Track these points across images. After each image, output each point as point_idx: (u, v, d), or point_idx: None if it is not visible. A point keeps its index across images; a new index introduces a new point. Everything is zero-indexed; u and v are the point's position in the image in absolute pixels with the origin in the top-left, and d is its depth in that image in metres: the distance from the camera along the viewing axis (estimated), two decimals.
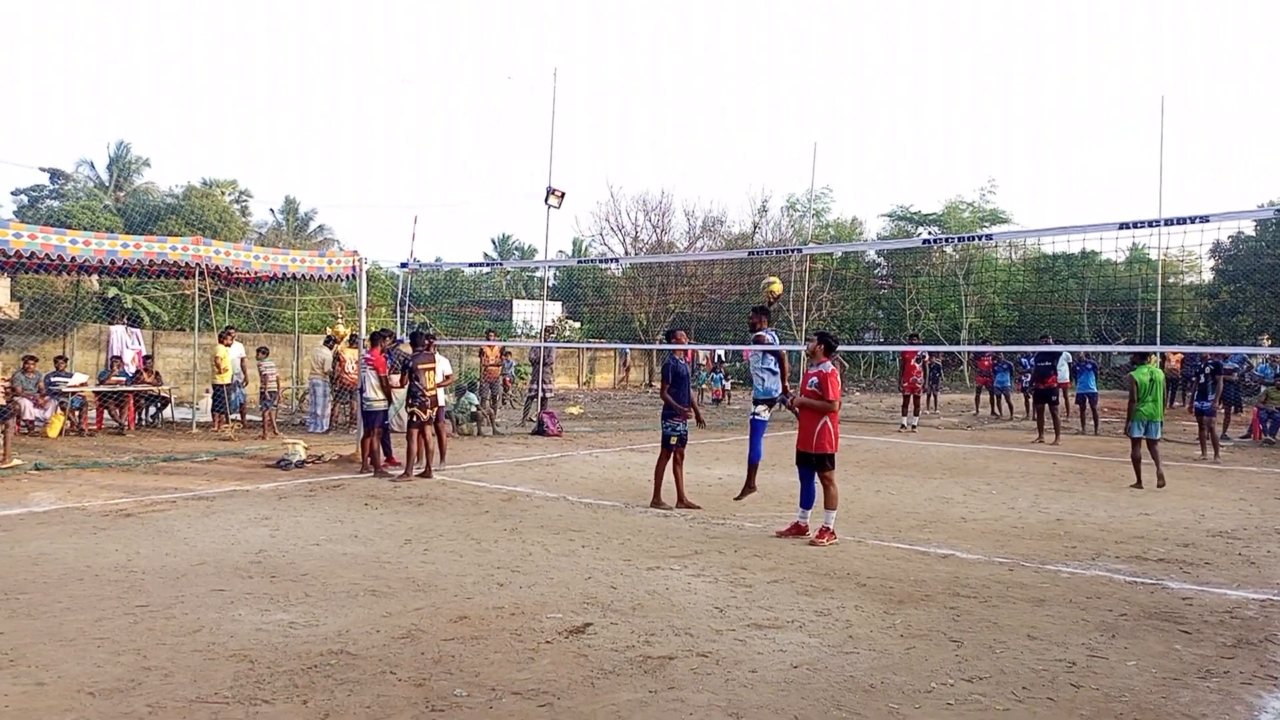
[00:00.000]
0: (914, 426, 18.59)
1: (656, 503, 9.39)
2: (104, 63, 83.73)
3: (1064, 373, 18.68)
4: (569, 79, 29.93)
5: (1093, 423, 18.40)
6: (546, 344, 19.26)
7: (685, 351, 9.86)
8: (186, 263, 15.17)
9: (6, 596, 5.68)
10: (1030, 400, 19.03)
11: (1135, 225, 7.84)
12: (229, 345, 15.92)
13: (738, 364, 33.73)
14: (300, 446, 11.86)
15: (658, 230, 40.95)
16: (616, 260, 28.94)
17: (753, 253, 20.84)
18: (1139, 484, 11.15)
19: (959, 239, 13.93)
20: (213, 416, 15.97)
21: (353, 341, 15.42)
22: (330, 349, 15.86)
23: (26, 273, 19.18)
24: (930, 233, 36.92)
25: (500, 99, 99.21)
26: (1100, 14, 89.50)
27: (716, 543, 7.75)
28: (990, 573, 6.91)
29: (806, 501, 8.12)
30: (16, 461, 10.90)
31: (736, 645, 5.10)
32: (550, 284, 23.74)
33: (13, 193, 43.60)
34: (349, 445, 13.00)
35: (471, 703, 4.24)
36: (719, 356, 29.41)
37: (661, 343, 10.44)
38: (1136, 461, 11.27)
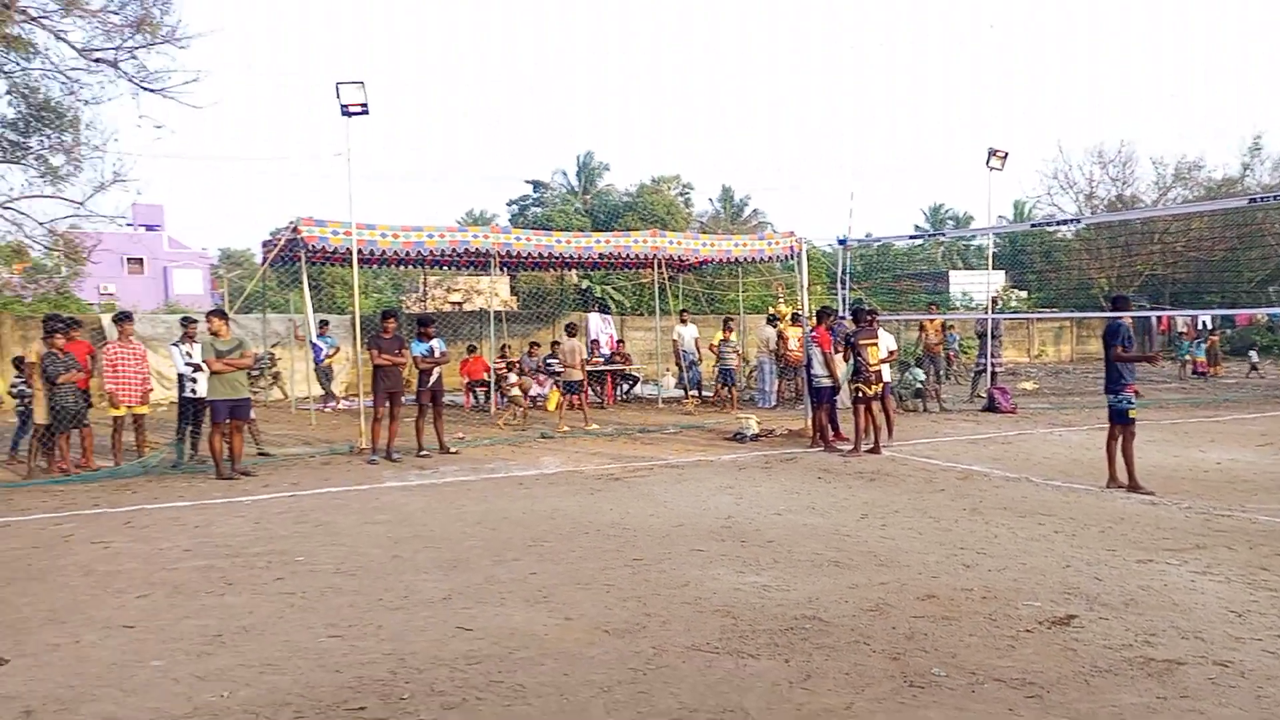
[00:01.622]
0: None
1: (1127, 484, 8.43)
2: (571, 82, 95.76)
3: None
4: (1006, 29, 27.49)
5: None
6: (992, 315, 18.15)
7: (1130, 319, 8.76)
8: (645, 254, 16.79)
9: (534, 543, 6.79)
10: None
11: None
12: (686, 325, 17.34)
13: (1228, 331, 28.83)
14: (753, 421, 12.54)
15: (1118, 184, 36.45)
16: (1072, 222, 26.20)
17: (1255, 199, 17.54)
18: None
19: None
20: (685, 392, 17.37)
21: (794, 320, 15.91)
22: (774, 327, 16.52)
23: (524, 270, 22.63)
24: None
25: (933, 62, 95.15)
26: None
27: (1224, 537, 6.72)
28: None
29: None
30: (594, 427, 13.11)
31: (1265, 658, 4.39)
32: (991, 252, 22.25)
33: (507, 203, 51.78)
34: (796, 420, 13.45)
35: (951, 683, 4.16)
36: (1202, 324, 25.37)
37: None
38: None
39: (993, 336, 16.84)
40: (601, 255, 16.50)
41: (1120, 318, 8.82)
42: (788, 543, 6.74)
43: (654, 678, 4.25)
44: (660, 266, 17.72)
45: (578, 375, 13.75)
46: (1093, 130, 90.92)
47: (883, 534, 7.00)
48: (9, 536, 7.07)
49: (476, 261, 17.31)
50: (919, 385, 15.73)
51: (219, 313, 9.90)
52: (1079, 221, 25.67)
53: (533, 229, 28.25)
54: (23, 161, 13.58)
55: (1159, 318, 26.88)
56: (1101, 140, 67.82)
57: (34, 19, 13.08)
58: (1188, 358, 22.81)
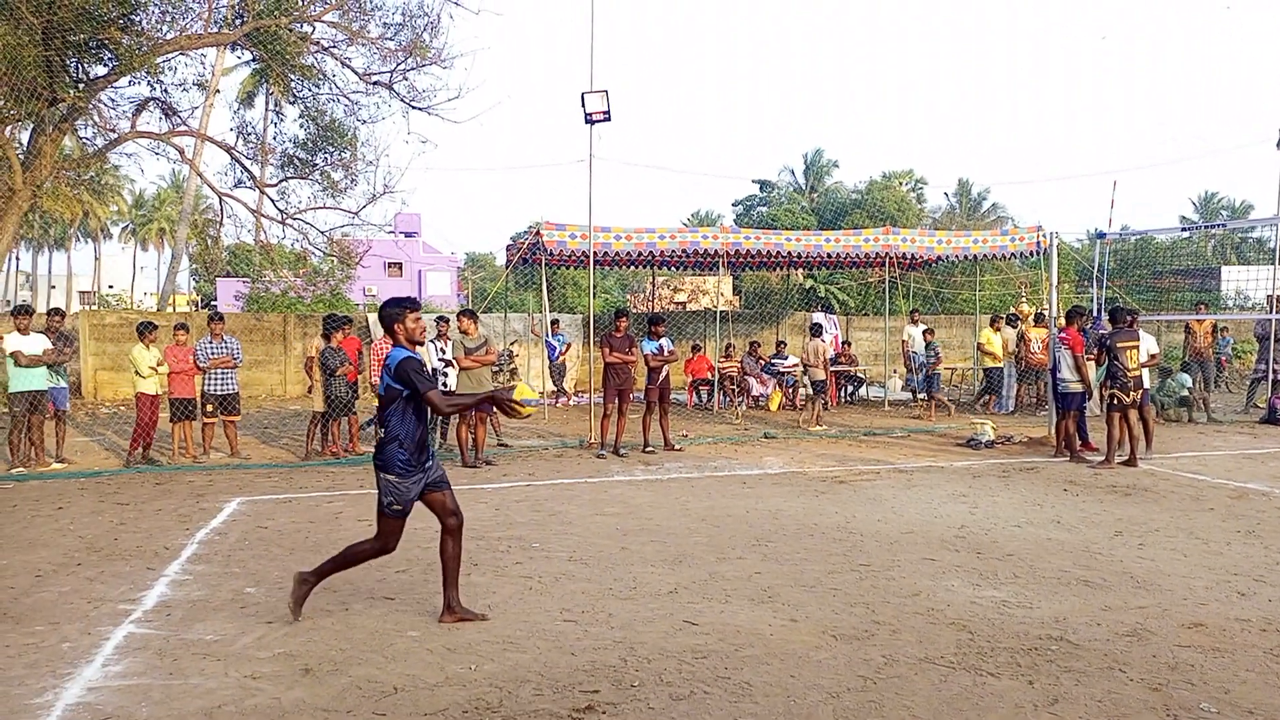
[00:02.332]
0: None
1: None
2: (799, 80, 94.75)
3: None
4: None
5: None
6: (1276, 315, 16.06)
7: None
8: (877, 253, 16.29)
9: (758, 543, 6.79)
10: None
11: None
12: (917, 325, 16.71)
13: None
14: (989, 426, 11.86)
15: None
16: None
17: None
18: None
19: None
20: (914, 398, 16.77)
21: (1038, 320, 14.89)
22: (1015, 328, 15.53)
23: (749, 270, 22.67)
24: None
25: (1214, 35, 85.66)
26: None
27: None
28: None
29: None
30: (820, 428, 13.11)
31: None
32: (1275, 245, 19.67)
33: (732, 204, 52.03)
34: (1038, 427, 12.58)
35: None
36: None
37: None
38: None
39: (1276, 340, 14.93)
40: (830, 254, 16.22)
41: None
42: (1029, 557, 6.33)
43: (885, 687, 4.14)
44: (890, 265, 17.16)
45: (822, 375, 13.71)
46: None
47: (1140, 554, 6.41)
48: (290, 511, 7.99)
49: (703, 261, 17.56)
50: (1185, 393, 14.23)
51: (468, 313, 10.65)
52: None
53: (758, 228, 28.23)
54: (310, 177, 15.21)
55: None
56: None
57: (325, 49, 14.64)
58: None
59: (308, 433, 11.12)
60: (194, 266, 43.94)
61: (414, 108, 14.93)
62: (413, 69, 14.67)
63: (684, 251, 15.83)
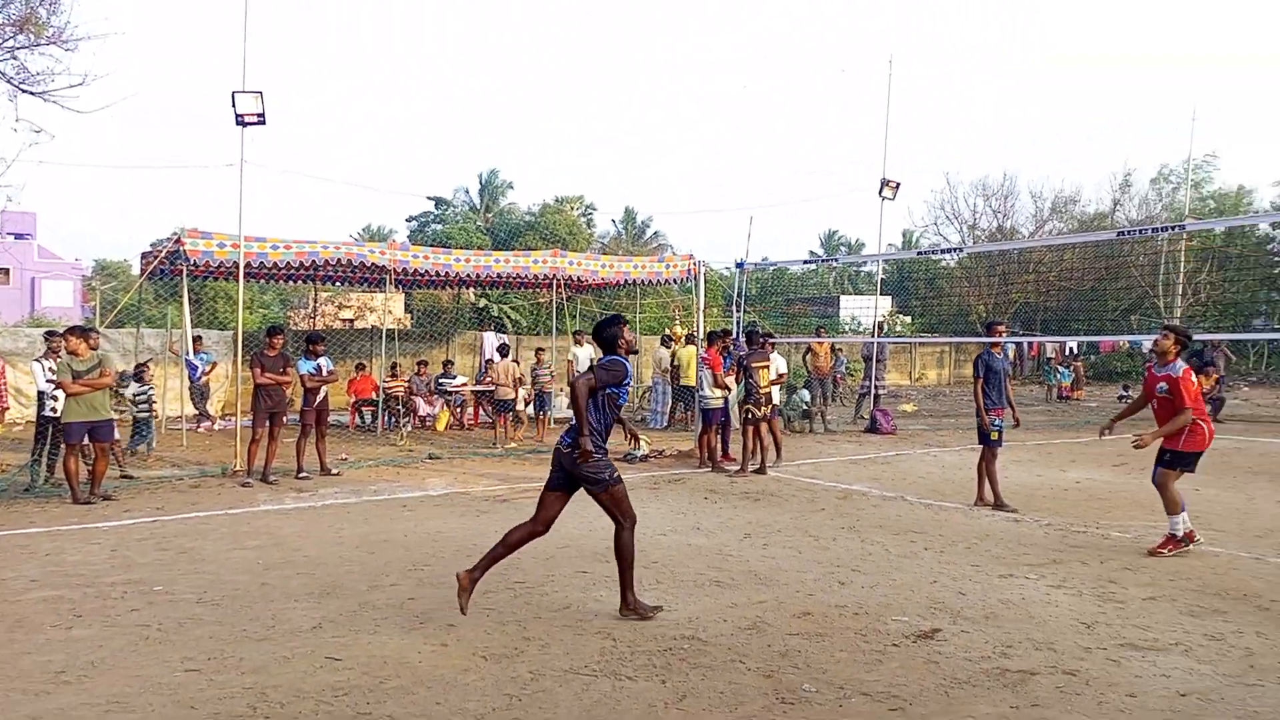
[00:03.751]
0: None
1: (993, 502, 8.86)
2: (476, 99, 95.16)
3: None
4: (903, 66, 28.98)
5: None
6: (879, 339, 18.79)
7: (1000, 345, 9.25)
8: (545, 274, 16.73)
9: (414, 567, 6.64)
10: None
11: None
12: (581, 346, 17.34)
13: (1092, 357, 30.56)
14: (643, 441, 12.59)
15: (999, 216, 38.37)
16: (955, 250, 27.44)
17: (1122, 233, 18.75)
18: None
19: None
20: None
21: (689, 341, 16.09)
22: (667, 349, 16.67)
23: (419, 288, 22.25)
24: None
25: (833, 93, 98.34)
26: None
27: (1078, 552, 7.10)
28: None
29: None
30: (513, 445, 13.00)
31: (1109, 666, 4.64)
32: (879, 278, 23.07)
33: (406, 220, 50.86)
34: (687, 441, 13.59)
35: (820, 699, 4.26)
36: (1069, 350, 26.85)
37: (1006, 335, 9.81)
38: None
39: (877, 360, 17.43)
40: (500, 275, 16.37)
41: (992, 344, 9.26)
42: (671, 563, 6.79)
43: (529, 702, 4.21)
44: (559, 287, 17.70)
45: (510, 394, 13.76)
46: (979, 163, 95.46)
47: (764, 553, 7.13)
48: None
49: (370, 278, 16.95)
50: (805, 407, 16.11)
51: (77, 330, 9.37)
52: (961, 250, 26.88)
53: (432, 246, 27.81)
54: None
55: (1030, 343, 28.34)
56: (986, 173, 71.33)
57: None
58: (1054, 382, 24.07)
59: None
60: None
61: (25, 91, 12.93)
62: (24, 47, 12.72)
63: (349, 265, 15.19)
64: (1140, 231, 18.46)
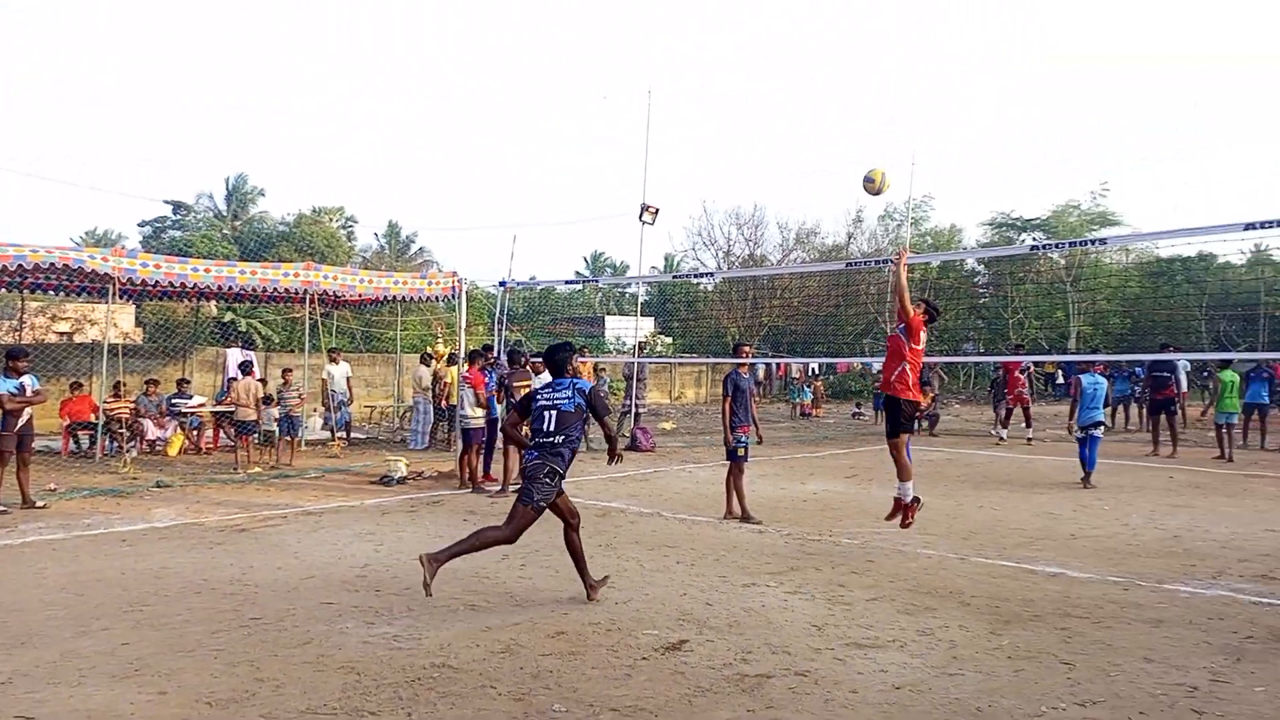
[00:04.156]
0: (1029, 439, 17.95)
1: (740, 515, 9.37)
2: (225, 97, 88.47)
3: (1184, 382, 17.69)
4: (662, 97, 30.23)
5: (1259, 437, 16.83)
6: (639, 359, 19.37)
7: (747, 365, 9.87)
8: (297, 288, 15.81)
9: (131, 608, 6.00)
10: (1145, 411, 18.15)
11: (1263, 225, 7.42)
12: (337, 364, 16.55)
13: (831, 376, 33.19)
14: (402, 463, 12.19)
15: (750, 243, 40.81)
16: (709, 275, 28.89)
17: (850, 264, 20.59)
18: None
19: (1069, 244, 13.45)
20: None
21: (451, 360, 15.78)
22: (428, 367, 16.27)
23: (151, 300, 20.33)
24: (1034, 239, 35.67)
25: (596, 118, 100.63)
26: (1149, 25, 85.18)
27: (814, 559, 7.63)
28: (1103, 592, 6.60)
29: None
30: (255, 469, 11.58)
31: (835, 665, 5.01)
32: (642, 299, 23.87)
33: (139, 224, 46.40)
34: (448, 461, 13.30)
35: (570, 718, 4.27)
36: (811, 370, 29.00)
37: (753, 355, 10.44)
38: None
39: (638, 379, 17.95)
40: (247, 287, 15.26)
41: (739, 365, 9.80)
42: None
43: None
44: (313, 301, 16.79)
45: (253, 415, 12.87)
46: (733, 193, 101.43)
47: (521, 573, 7.09)
48: None
49: (91, 287, 15.24)
50: None
51: None
52: (713, 275, 28.33)
53: (168, 254, 25.47)
54: None
55: (778, 364, 30.37)
56: (739, 203, 75.81)
57: None
58: (797, 400, 25.92)
59: None
60: None
61: None
62: None
63: (65, 272, 13.60)
64: (866, 263, 20.33)
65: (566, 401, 6.34)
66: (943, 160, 74.26)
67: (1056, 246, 15.53)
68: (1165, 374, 15.89)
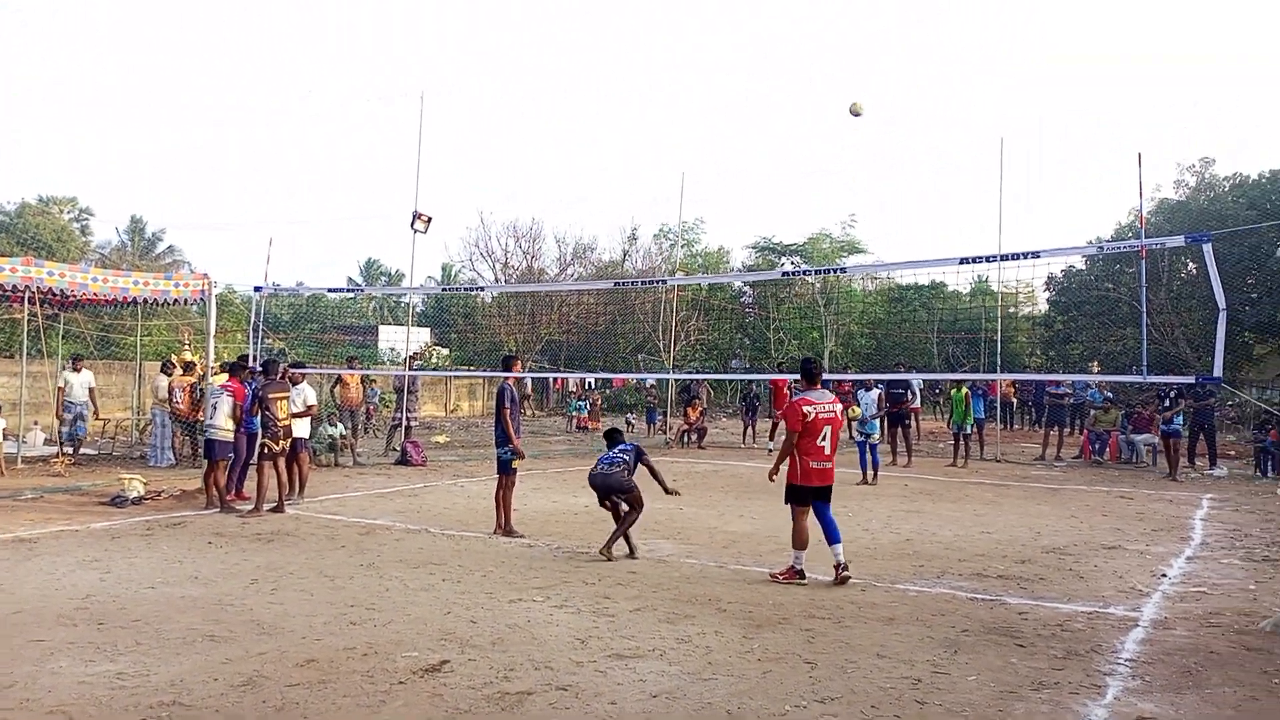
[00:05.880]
0: (770, 450, 19.09)
1: (505, 529, 9.32)
2: None
3: (917, 398, 19.55)
4: (437, 103, 29.38)
5: (978, 448, 18.59)
6: (411, 372, 18.81)
7: (515, 379, 9.97)
8: (15, 285, 14.01)
9: None
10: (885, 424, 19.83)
11: (975, 260, 8.38)
12: (79, 373, 14.94)
13: (607, 390, 33.82)
14: (137, 482, 11.09)
15: (528, 257, 40.82)
16: (485, 288, 28.63)
17: (619, 284, 21.15)
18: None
19: (816, 271, 14.54)
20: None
21: (187, 369, 14.54)
22: (168, 375, 14.91)
23: None
24: (793, 262, 38.20)
25: (366, 120, 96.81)
26: (940, 63, 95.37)
27: (581, 572, 7.69)
28: (844, 594, 7.12)
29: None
30: None
31: (596, 677, 5.05)
32: (418, 310, 23.23)
33: None
34: (194, 479, 12.27)
35: None
36: (588, 384, 29.42)
37: (531, 368, 10.45)
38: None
39: (409, 392, 17.42)
40: None
41: (508, 378, 9.75)
42: (157, 620, 6.01)
43: None
44: (35, 300, 14.95)
45: None
46: (513, 206, 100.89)
47: (271, 599, 6.64)
48: None
49: None
50: (331, 439, 15.52)
51: None
52: (484, 289, 28.09)
53: None
54: None
55: (555, 377, 30.57)
56: (517, 216, 75.71)
57: None
58: (574, 413, 26.19)
59: None
60: None
61: None
62: None
63: None
64: (633, 283, 20.97)
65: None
66: (713, 184, 77.99)
67: (805, 273, 16.74)
68: (900, 391, 17.47)
